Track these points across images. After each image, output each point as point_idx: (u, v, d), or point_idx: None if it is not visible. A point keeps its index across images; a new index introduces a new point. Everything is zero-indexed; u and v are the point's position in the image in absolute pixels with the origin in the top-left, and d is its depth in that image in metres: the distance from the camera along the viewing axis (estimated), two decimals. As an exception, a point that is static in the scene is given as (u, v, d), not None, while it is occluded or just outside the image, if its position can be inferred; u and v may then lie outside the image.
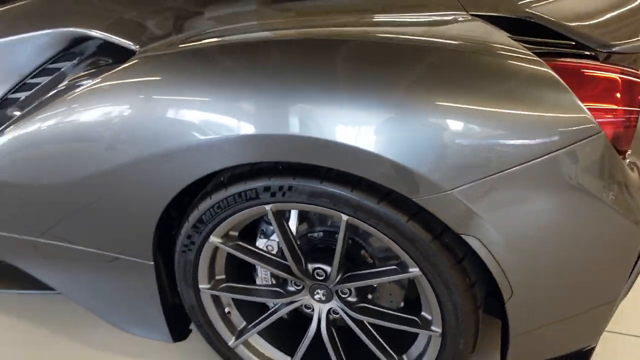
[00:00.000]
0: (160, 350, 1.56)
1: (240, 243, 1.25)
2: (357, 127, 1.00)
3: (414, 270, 1.11)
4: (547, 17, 1.12)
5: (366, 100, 1.01)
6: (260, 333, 1.39)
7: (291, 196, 1.11)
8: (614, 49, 1.03)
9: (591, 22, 1.15)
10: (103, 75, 1.17)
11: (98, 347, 1.61)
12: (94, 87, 1.17)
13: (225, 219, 1.19)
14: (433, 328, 1.18)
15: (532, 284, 1.08)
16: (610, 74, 0.99)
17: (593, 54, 1.04)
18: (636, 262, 1.15)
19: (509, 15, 1.17)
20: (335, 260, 1.18)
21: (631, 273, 1.15)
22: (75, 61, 1.32)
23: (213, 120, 1.08)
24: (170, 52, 1.16)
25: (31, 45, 1.34)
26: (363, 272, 1.21)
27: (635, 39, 1.06)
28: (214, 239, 1.22)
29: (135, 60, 1.17)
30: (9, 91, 1.38)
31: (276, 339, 1.41)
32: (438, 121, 0.98)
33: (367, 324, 1.27)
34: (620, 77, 0.99)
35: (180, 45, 1.18)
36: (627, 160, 1.02)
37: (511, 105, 0.97)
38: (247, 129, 1.06)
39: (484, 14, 1.18)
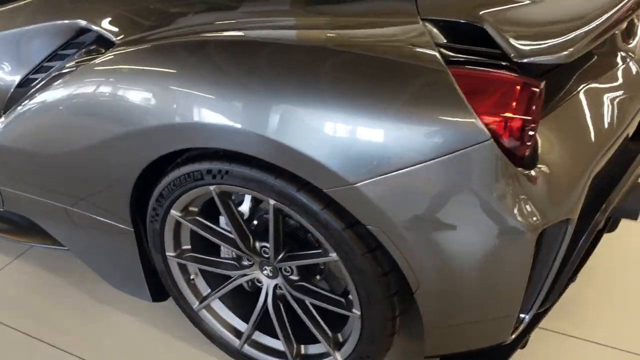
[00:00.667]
0: (150, 307, 1.76)
1: (198, 218, 1.41)
2: (275, 121, 1.12)
3: (333, 256, 1.22)
4: (487, 24, 1.16)
5: (282, 97, 1.12)
6: (222, 300, 1.55)
7: (228, 179, 1.25)
8: (524, 60, 1.06)
9: (530, 30, 1.18)
10: (84, 64, 1.36)
11: (100, 300, 1.85)
12: (75, 73, 1.37)
13: (180, 195, 1.35)
14: (354, 310, 1.28)
15: (437, 281, 1.15)
16: (510, 83, 1.03)
17: (508, 64, 1.08)
18: (554, 271, 1.18)
19: (459, 19, 1.21)
20: (270, 240, 1.30)
21: (544, 283, 1.19)
22: (77, 49, 1.52)
23: (163, 108, 1.24)
24: (136, 48, 1.33)
25: (45, 34, 1.56)
26: (296, 253, 1.33)
27: (553, 52, 1.08)
28: (174, 213, 1.39)
29: (110, 53, 1.35)
30: (30, 72, 1.61)
31: (236, 306, 1.56)
32: (344, 119, 1.08)
33: (308, 302, 1.39)
34: (518, 87, 1.02)
35: (148, 41, 1.34)
36: (528, 171, 1.06)
37: (410, 108, 1.05)
38: (187, 117, 1.20)
39: (437, 18, 1.23)
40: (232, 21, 1.33)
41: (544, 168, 1.09)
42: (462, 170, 1.04)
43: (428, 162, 1.04)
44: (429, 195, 1.07)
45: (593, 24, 1.14)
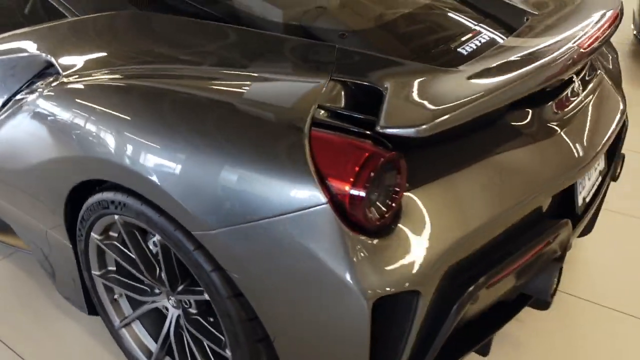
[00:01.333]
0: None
1: (115, 243, 1.52)
2: (155, 166, 1.21)
3: (206, 296, 1.28)
4: (386, 89, 1.19)
5: (161, 143, 1.21)
6: (141, 322, 1.64)
7: (125, 211, 1.35)
8: (385, 130, 1.09)
9: (416, 101, 1.20)
10: (34, 93, 1.54)
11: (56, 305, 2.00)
12: (26, 101, 1.55)
13: (95, 220, 1.46)
14: (227, 351, 1.33)
15: (289, 334, 1.19)
16: (358, 150, 1.06)
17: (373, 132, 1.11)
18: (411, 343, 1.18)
19: (362, 81, 1.26)
20: (162, 272, 1.39)
21: (402, 355, 1.18)
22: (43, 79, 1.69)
23: (81, 140, 1.37)
24: (62, 85, 1.48)
25: (24, 64, 1.75)
26: (189, 288, 1.40)
27: (408, 125, 1.09)
28: (94, 235, 1.51)
29: (51, 85, 1.50)
30: (10, 96, 1.80)
31: (153, 329, 1.65)
32: (210, 169, 1.15)
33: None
34: (365, 155, 1.05)
35: (70, 80, 1.48)
36: (372, 239, 1.08)
37: (266, 164, 1.11)
38: (96, 152, 1.33)
39: (345, 79, 1.28)
40: (154, 69, 1.45)
41: (393, 238, 1.10)
42: (304, 230, 1.08)
43: (274, 218, 1.09)
44: (276, 250, 1.12)
45: (468, 104, 1.14)
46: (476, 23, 1.65)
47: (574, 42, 1.38)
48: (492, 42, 1.52)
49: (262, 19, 1.54)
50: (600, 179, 1.75)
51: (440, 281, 1.18)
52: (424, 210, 1.16)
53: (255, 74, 1.33)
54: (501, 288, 1.35)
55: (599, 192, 1.75)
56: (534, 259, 1.37)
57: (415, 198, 1.16)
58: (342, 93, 1.25)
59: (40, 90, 1.55)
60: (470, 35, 1.59)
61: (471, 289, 1.21)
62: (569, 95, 1.54)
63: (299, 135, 1.09)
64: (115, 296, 1.65)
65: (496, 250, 1.30)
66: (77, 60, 1.57)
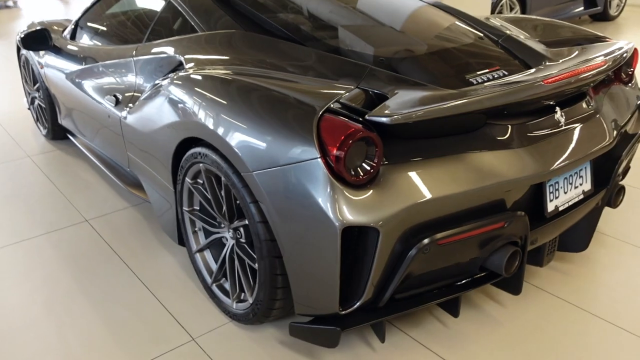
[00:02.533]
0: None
1: (199, 187, 2.17)
2: (226, 128, 1.85)
3: (245, 222, 1.88)
4: (389, 96, 1.76)
5: (230, 115, 1.85)
6: (210, 249, 2.27)
7: (206, 160, 1.99)
8: (367, 118, 1.63)
9: (403, 104, 1.72)
10: (167, 79, 2.26)
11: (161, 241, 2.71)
12: (161, 84, 2.28)
13: (189, 168, 2.13)
14: (256, 265, 1.91)
15: (291, 252, 1.74)
16: (347, 128, 1.60)
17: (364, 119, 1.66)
18: (374, 271, 1.67)
19: (375, 90, 1.83)
20: (225, 209, 2.01)
21: (366, 279, 1.67)
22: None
23: (188, 110, 2.05)
24: (184, 75, 2.18)
25: (164, 61, 2.51)
26: (236, 220, 2.00)
27: (383, 115, 1.62)
28: (187, 179, 2.18)
29: (178, 75, 2.21)
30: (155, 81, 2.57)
31: (216, 254, 2.26)
32: (254, 130, 1.76)
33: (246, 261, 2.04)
34: (345, 129, 1.59)
35: (190, 72, 2.18)
36: (350, 189, 1.60)
37: (287, 131, 1.69)
38: (197, 118, 1.99)
39: (367, 88, 1.86)
40: (246, 70, 2.10)
41: (366, 192, 1.61)
42: (304, 175, 1.63)
43: (286, 166, 1.67)
44: (286, 188, 1.68)
45: (428, 110, 1.65)
46: (498, 62, 2.12)
47: (540, 79, 1.81)
48: (500, 77, 1.98)
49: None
50: (582, 197, 2.09)
51: (403, 232, 1.67)
52: (396, 180, 1.66)
53: (310, 78, 1.95)
54: (456, 251, 1.78)
55: (581, 208, 2.09)
56: (485, 235, 1.79)
57: (392, 170, 1.67)
58: (363, 96, 1.81)
59: (170, 78, 2.27)
60: (487, 70, 2.07)
61: (426, 241, 1.68)
62: (551, 118, 1.95)
63: (314, 114, 1.66)
64: (196, 229, 2.30)
65: (454, 222, 1.74)
66: (198, 60, 2.28)
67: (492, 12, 5.99)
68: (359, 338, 2.05)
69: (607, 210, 2.83)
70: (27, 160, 3.78)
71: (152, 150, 2.39)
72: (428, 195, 1.68)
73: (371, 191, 1.63)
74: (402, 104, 1.71)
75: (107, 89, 2.84)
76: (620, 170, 2.22)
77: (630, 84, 2.51)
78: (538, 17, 3.00)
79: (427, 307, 2.00)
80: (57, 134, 3.94)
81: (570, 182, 2.04)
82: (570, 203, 2.05)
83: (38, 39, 3.33)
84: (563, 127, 1.98)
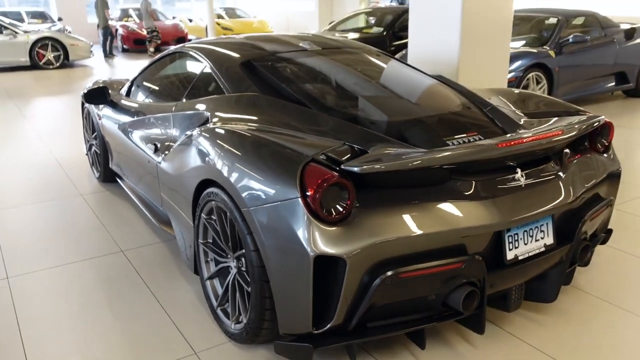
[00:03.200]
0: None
1: (212, 222, 2.55)
2: (233, 172, 2.24)
3: (243, 251, 2.24)
4: (369, 150, 2.14)
5: (240, 164, 2.25)
6: (217, 277, 2.62)
7: (217, 199, 2.38)
8: (343, 167, 1.99)
9: (376, 156, 2.08)
10: (195, 131, 2.70)
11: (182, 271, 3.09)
12: (190, 135, 2.72)
13: (204, 205, 2.52)
14: (249, 288, 2.25)
15: (276, 278, 2.07)
16: (324, 175, 1.95)
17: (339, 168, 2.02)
18: (337, 298, 1.98)
19: (359, 147, 2.20)
20: (230, 241, 2.37)
21: (335, 305, 1.98)
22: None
23: (206, 158, 2.47)
24: (209, 129, 2.61)
25: (194, 116, 2.96)
26: (238, 251, 2.36)
27: (354, 166, 1.98)
28: (203, 215, 2.57)
29: (204, 128, 2.65)
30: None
31: (222, 281, 2.61)
32: (253, 177, 2.14)
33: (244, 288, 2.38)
34: (325, 177, 1.95)
35: (215, 127, 2.61)
36: (323, 224, 1.94)
37: (278, 175, 2.06)
38: (212, 164, 2.41)
39: (352, 145, 2.24)
40: (259, 127, 2.52)
41: (337, 229, 1.95)
42: (287, 212, 1.99)
43: (274, 203, 2.03)
44: (273, 222, 2.04)
45: (392, 165, 2.00)
46: (478, 128, 2.46)
47: (495, 143, 2.14)
48: (474, 141, 2.31)
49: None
50: (543, 249, 2.34)
51: (370, 266, 1.98)
52: (365, 220, 2.00)
53: (310, 135, 2.34)
54: (417, 285, 2.07)
55: (543, 260, 2.33)
56: (443, 274, 2.07)
57: (364, 212, 2.01)
58: (348, 151, 2.18)
59: (198, 130, 2.71)
60: (464, 134, 2.41)
61: (389, 273, 1.98)
62: (512, 176, 2.25)
63: (301, 161, 2.04)
64: (208, 259, 2.67)
65: (417, 260, 2.04)
66: (221, 117, 2.73)
67: (518, 86, 6.32)
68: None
69: (593, 269, 3.04)
70: (80, 198, 4.29)
71: (178, 190, 2.82)
72: (392, 235, 2.00)
73: (342, 228, 1.97)
74: (374, 158, 2.07)
75: (149, 138, 3.32)
76: (584, 228, 2.46)
77: (606, 154, 2.77)
78: (534, 93, 3.32)
79: (395, 335, 2.26)
80: (108, 177, 4.47)
81: (531, 235, 2.30)
82: (530, 254, 2.31)
83: (98, 94, 3.91)
84: (523, 185, 2.27)
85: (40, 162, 5.30)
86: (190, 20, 18.21)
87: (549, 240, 2.37)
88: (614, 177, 2.75)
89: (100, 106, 4.24)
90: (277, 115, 2.58)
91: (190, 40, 16.60)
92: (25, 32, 12.07)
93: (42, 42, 12.00)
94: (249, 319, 2.28)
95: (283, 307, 2.11)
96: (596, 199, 2.60)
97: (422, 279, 2.06)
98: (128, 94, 4.05)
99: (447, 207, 2.12)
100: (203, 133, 2.61)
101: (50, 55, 12.11)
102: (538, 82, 6.56)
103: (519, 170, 2.29)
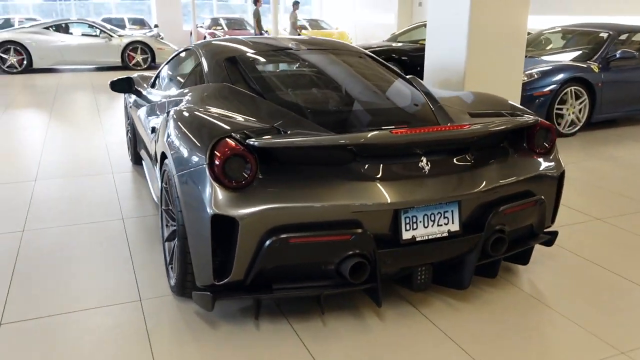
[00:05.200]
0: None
1: (166, 189, 2.94)
2: (173, 144, 2.62)
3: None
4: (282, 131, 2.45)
5: (177, 137, 2.62)
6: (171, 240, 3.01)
7: (167, 167, 2.77)
8: (247, 141, 2.30)
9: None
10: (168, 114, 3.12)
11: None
12: (164, 118, 3.14)
13: (163, 173, 2.93)
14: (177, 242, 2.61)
15: (189, 233, 2.41)
16: (230, 147, 2.28)
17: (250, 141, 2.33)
18: (235, 254, 2.28)
19: (276, 127, 2.52)
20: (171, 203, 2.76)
21: (231, 260, 2.29)
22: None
23: (162, 133, 2.87)
24: (175, 109, 3.01)
25: (176, 102, 3.39)
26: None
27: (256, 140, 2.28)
28: (162, 184, 2.97)
29: (172, 109, 3.06)
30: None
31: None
32: (183, 147, 2.50)
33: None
34: (226, 146, 2.27)
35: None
36: (224, 189, 2.26)
37: (196, 146, 2.40)
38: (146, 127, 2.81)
39: (279, 127, 2.55)
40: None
41: (237, 194, 2.26)
42: (198, 177, 2.33)
43: (190, 169, 2.39)
44: (189, 185, 2.38)
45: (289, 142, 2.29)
46: (410, 122, 2.70)
47: (391, 129, 2.36)
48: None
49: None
50: (446, 234, 2.50)
51: (267, 230, 2.27)
52: (264, 189, 2.30)
53: (248, 118, 2.67)
54: (308, 252, 2.32)
55: (447, 245, 2.50)
56: (332, 244, 2.32)
57: (264, 182, 2.32)
58: (271, 132, 2.49)
59: (165, 113, 3.12)
60: (393, 126, 2.64)
61: (278, 237, 2.27)
62: (416, 163, 2.46)
63: (215, 136, 2.37)
64: (167, 224, 3.05)
65: (308, 228, 2.31)
66: (190, 101, 3.12)
67: (553, 99, 6.25)
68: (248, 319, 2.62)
69: (543, 271, 3.12)
70: (110, 175, 4.89)
71: (155, 165, 3.24)
72: (285, 203, 2.28)
73: (240, 194, 2.28)
74: (280, 137, 2.36)
75: (151, 122, 3.79)
76: (496, 220, 2.58)
77: (546, 156, 2.87)
78: (492, 96, 3.42)
79: (294, 296, 2.52)
80: (138, 159, 5.03)
81: (432, 219, 2.48)
82: (430, 237, 2.48)
83: (121, 84, 4.46)
84: (426, 172, 2.46)
85: (93, 144, 6.01)
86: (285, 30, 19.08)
87: (454, 227, 2.53)
88: (550, 179, 2.83)
89: (131, 96, 4.81)
90: (233, 101, 2.93)
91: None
92: (120, 36, 13.33)
93: (133, 46, 13.19)
94: (177, 272, 2.64)
95: (195, 261, 2.44)
96: (519, 195, 2.71)
97: (311, 246, 2.32)
98: (153, 85, 4.57)
99: (344, 184, 2.37)
100: (166, 115, 3.02)
101: (139, 57, 13.28)
102: (578, 97, 6.44)
103: (424, 158, 2.48)
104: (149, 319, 2.63)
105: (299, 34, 15.07)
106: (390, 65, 3.71)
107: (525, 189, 2.74)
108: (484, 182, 2.57)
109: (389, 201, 2.36)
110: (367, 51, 3.93)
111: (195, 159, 2.39)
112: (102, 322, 2.60)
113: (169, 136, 2.74)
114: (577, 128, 6.53)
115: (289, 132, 2.49)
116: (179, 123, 2.70)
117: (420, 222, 2.46)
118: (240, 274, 2.34)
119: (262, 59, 3.46)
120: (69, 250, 3.35)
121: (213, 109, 2.86)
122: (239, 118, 2.67)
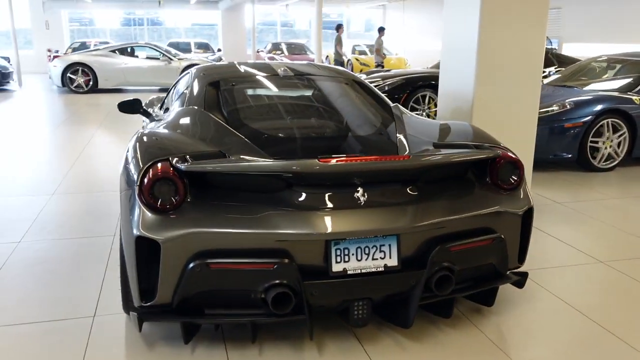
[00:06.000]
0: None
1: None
2: (124, 160, 2.69)
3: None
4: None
5: (129, 152, 2.68)
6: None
7: (123, 187, 2.84)
8: (176, 164, 2.32)
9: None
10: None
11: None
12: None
13: (126, 194, 3.00)
14: (123, 262, 2.66)
15: (124, 252, 2.45)
16: (157, 168, 2.31)
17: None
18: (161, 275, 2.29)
19: (228, 155, 2.53)
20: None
21: (156, 281, 2.30)
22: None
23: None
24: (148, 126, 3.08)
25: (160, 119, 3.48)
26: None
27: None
28: (128, 203, 3.05)
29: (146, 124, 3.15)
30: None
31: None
32: (128, 164, 2.56)
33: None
34: (156, 170, 2.30)
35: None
36: (151, 211, 2.28)
37: (135, 166, 2.45)
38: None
39: (226, 153, 2.57)
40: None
41: (163, 218, 2.28)
42: (129, 198, 2.37)
43: (125, 191, 2.44)
44: (124, 204, 2.43)
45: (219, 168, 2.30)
46: (366, 150, 2.67)
47: (319, 158, 2.31)
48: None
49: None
50: (382, 269, 2.40)
51: (193, 254, 2.27)
52: (190, 213, 2.32)
53: (200, 142, 2.69)
54: (231, 279, 2.29)
55: (382, 280, 2.39)
56: (256, 272, 2.27)
57: (192, 206, 2.33)
58: (211, 155, 2.51)
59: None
60: (344, 155, 2.58)
61: (198, 261, 2.26)
62: (351, 194, 2.39)
63: (151, 159, 2.41)
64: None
65: (233, 254, 2.28)
66: (162, 122, 3.19)
67: (587, 131, 5.91)
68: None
69: (512, 312, 2.92)
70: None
71: None
72: (209, 228, 2.28)
73: (166, 216, 2.30)
74: (207, 162, 2.37)
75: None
76: (440, 258, 2.44)
77: (511, 192, 2.71)
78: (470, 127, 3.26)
79: (224, 322, 2.50)
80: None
81: (366, 252, 2.38)
82: (364, 270, 2.38)
83: (129, 105, 4.63)
84: (362, 203, 2.38)
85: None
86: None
87: (392, 262, 2.42)
88: (513, 216, 2.66)
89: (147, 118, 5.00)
90: (196, 125, 2.98)
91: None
92: (180, 59, 13.94)
93: (190, 68, 13.74)
94: (121, 291, 2.68)
95: (129, 281, 2.47)
96: (475, 232, 2.56)
97: (233, 272, 2.29)
98: (161, 106, 4.73)
99: (272, 212, 2.34)
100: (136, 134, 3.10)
101: (196, 79, 13.80)
102: (616, 130, 6.05)
103: (360, 188, 2.40)
104: (95, 335, 2.68)
105: (383, 59, 15.05)
106: (378, 93, 3.64)
107: (482, 225, 2.59)
108: (428, 216, 2.45)
109: (317, 232, 2.30)
110: (361, 78, 3.88)
111: (132, 179, 2.43)
112: (48, 335, 2.67)
113: (126, 155, 2.81)
114: (614, 163, 6.12)
115: (231, 157, 2.49)
116: (134, 143, 2.77)
117: (353, 254, 2.38)
118: (166, 297, 2.34)
119: (244, 85, 3.50)
120: (52, 263, 3.49)
121: (173, 132, 2.90)
122: (191, 142, 2.70)
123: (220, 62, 4.24)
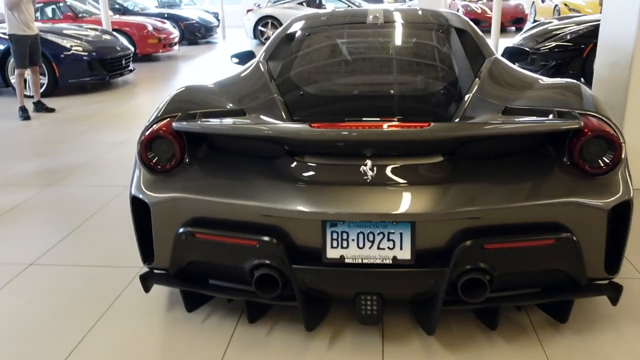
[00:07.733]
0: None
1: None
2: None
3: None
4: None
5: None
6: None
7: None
8: (173, 124, 2.14)
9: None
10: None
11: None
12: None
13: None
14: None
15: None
16: (156, 127, 2.17)
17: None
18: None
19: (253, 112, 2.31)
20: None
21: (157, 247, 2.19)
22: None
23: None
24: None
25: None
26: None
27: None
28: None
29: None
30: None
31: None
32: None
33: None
34: (156, 128, 2.15)
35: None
36: (151, 173, 2.16)
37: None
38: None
39: (247, 111, 2.35)
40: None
41: (159, 178, 2.14)
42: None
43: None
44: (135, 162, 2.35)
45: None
46: (408, 114, 2.21)
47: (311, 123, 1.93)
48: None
49: None
50: (390, 262, 1.96)
51: (185, 221, 2.11)
52: (184, 176, 2.16)
53: (239, 97, 2.51)
54: (216, 251, 2.09)
55: (389, 275, 1.97)
56: (239, 247, 2.03)
57: (190, 169, 2.17)
58: (223, 113, 2.31)
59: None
60: (378, 118, 2.17)
61: (185, 229, 2.09)
62: (356, 168, 1.98)
63: (160, 115, 2.27)
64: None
65: (220, 226, 2.06)
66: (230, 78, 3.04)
67: None
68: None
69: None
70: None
71: None
72: (198, 195, 2.09)
73: (159, 177, 2.18)
74: (202, 123, 2.15)
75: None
76: (466, 256, 1.90)
77: (600, 177, 2.01)
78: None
79: (224, 296, 2.33)
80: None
81: (370, 239, 1.96)
82: (366, 260, 1.97)
83: (243, 57, 4.54)
84: (368, 179, 1.95)
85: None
86: (543, 1, 17.22)
87: (403, 254, 1.96)
88: (594, 211, 1.97)
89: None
90: (245, 79, 2.77)
91: (531, 21, 16.25)
92: (363, 9, 13.70)
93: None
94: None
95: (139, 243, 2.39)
96: (534, 228, 1.95)
97: (218, 245, 2.07)
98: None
99: (262, 183, 2.05)
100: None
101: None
102: None
103: (368, 161, 1.97)
104: (131, 288, 2.72)
105: None
106: (479, 44, 2.97)
107: (545, 220, 1.97)
108: (457, 202, 1.92)
109: (308, 209, 1.95)
110: (471, 24, 3.23)
111: None
112: (93, 278, 2.79)
113: None
114: None
115: (248, 117, 2.23)
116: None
117: (353, 240, 1.98)
118: (163, 262, 2.23)
119: (320, 34, 3.15)
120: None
121: (215, 87, 2.72)
122: (221, 99, 2.50)
123: (323, 10, 3.90)
